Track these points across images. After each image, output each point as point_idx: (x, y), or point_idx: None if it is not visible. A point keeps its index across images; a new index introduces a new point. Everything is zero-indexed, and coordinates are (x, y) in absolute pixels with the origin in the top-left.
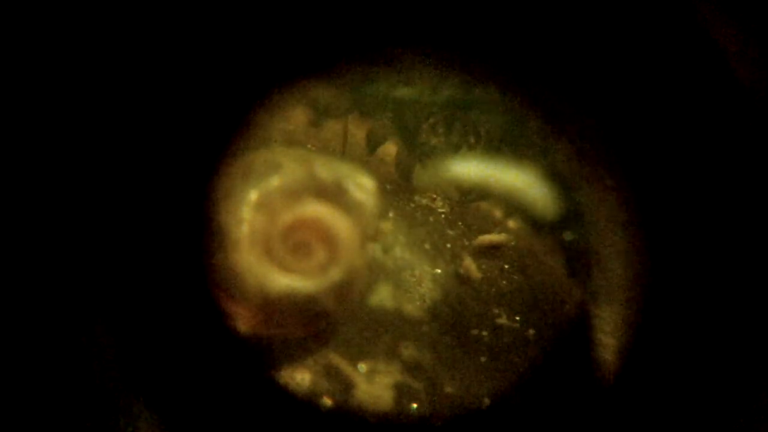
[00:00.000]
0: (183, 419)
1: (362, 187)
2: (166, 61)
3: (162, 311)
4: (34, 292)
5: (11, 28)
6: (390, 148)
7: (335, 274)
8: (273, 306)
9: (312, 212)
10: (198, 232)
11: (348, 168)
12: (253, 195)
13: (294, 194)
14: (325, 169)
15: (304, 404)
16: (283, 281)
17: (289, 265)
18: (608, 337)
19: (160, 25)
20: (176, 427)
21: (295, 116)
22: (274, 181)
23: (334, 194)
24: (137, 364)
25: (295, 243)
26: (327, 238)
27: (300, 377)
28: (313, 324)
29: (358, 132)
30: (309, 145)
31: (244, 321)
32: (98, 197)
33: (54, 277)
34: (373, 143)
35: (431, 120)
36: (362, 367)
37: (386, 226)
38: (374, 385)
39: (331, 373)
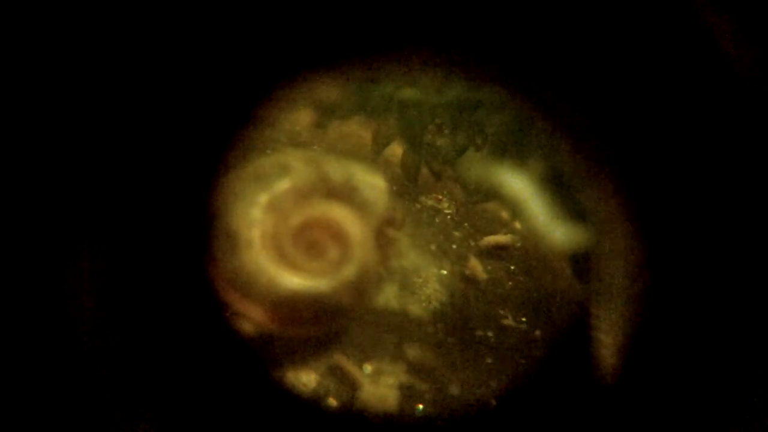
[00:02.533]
0: (187, 420)
1: (372, 185)
2: (165, 61)
3: (166, 313)
4: (36, 291)
5: (11, 26)
6: (396, 149)
7: (349, 273)
8: (288, 306)
9: (323, 212)
10: (202, 234)
11: (357, 167)
12: (263, 197)
13: (304, 195)
14: (335, 169)
15: (309, 405)
16: (297, 281)
17: (302, 265)
18: (615, 338)
19: (161, 22)
20: (181, 428)
21: (300, 117)
22: (285, 183)
23: (344, 194)
24: (141, 366)
25: (308, 243)
26: (339, 237)
27: (305, 378)
28: (328, 323)
29: (364, 133)
30: (315, 147)
31: (259, 322)
32: (100, 199)
33: (58, 276)
34: (379, 144)
35: (437, 121)
36: (367, 368)
37: (391, 229)
38: (379, 386)
39: (337, 373)
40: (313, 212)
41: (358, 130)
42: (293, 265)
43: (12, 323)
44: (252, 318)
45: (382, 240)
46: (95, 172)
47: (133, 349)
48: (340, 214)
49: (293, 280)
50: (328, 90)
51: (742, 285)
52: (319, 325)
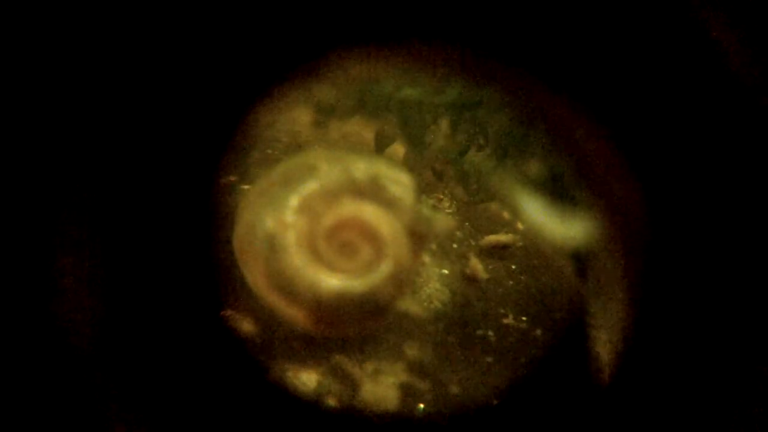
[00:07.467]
0: (186, 420)
1: (399, 182)
2: (157, 55)
3: (164, 313)
4: (32, 290)
5: (10, 26)
6: (397, 149)
7: (386, 270)
8: (332, 308)
9: (353, 211)
10: (201, 233)
11: (382, 164)
12: (294, 200)
13: (333, 195)
14: (360, 168)
15: (309, 405)
16: (337, 282)
17: (340, 265)
18: (614, 337)
19: (157, 18)
20: (180, 428)
21: (299, 117)
22: (312, 184)
23: (371, 192)
24: (139, 367)
25: (342, 243)
26: (371, 235)
27: (305, 378)
28: (370, 321)
29: (365, 133)
30: (316, 146)
31: (303, 324)
32: (99, 195)
33: (55, 275)
34: (381, 144)
35: (438, 121)
36: (368, 367)
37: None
38: (379, 385)
39: (336, 373)
40: (344, 212)
41: (359, 129)
42: (331, 266)
43: (7, 324)
44: (297, 322)
45: (413, 236)
46: (93, 168)
47: (131, 350)
48: (371, 212)
49: (333, 282)
50: (328, 89)
51: (741, 284)
52: (362, 324)
